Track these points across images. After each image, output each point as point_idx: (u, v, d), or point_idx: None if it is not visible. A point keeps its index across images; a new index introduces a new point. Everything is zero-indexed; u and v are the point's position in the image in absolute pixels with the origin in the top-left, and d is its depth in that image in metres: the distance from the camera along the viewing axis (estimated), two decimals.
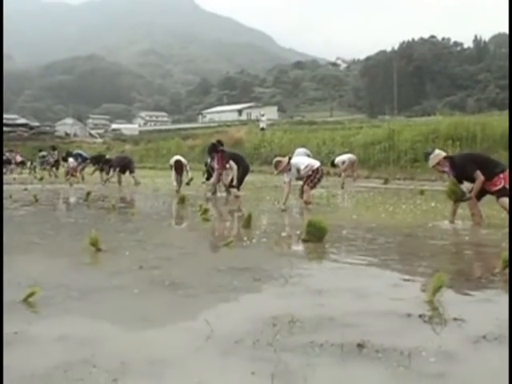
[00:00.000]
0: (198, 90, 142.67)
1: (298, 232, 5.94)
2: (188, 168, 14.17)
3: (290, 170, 9.19)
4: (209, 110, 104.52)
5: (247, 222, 6.57)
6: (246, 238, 5.68)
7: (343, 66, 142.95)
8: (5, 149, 30.33)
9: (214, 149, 12.21)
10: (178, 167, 13.82)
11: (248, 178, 12.39)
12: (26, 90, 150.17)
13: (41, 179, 19.40)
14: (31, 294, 3.26)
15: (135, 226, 7.07)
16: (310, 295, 3.40)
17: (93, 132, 74.56)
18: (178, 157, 14.56)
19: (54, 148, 25.20)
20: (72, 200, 12.23)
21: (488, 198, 6.81)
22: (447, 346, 2.44)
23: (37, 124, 70.85)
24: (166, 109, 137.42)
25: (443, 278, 3.18)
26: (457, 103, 75.56)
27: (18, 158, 30.64)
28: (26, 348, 2.53)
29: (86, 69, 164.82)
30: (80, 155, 20.01)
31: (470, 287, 3.61)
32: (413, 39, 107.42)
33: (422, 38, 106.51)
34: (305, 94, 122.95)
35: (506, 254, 3.85)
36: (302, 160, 9.86)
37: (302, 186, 9.57)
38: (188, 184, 13.85)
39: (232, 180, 11.60)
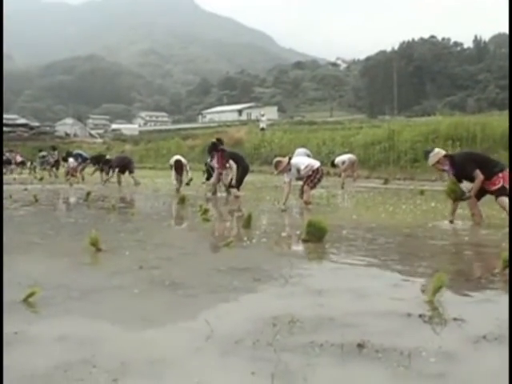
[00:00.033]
0: (198, 90, 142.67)
1: (298, 232, 5.94)
2: (188, 168, 14.18)
3: (290, 170, 9.19)
4: (209, 110, 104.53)
5: (247, 222, 6.57)
6: (246, 238, 5.68)
7: (343, 66, 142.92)
8: (5, 149, 30.34)
9: (214, 147, 12.21)
10: (178, 167, 13.82)
11: (248, 178, 12.39)
12: (26, 90, 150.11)
13: (41, 179, 19.41)
14: (31, 294, 3.26)
15: (135, 226, 7.07)
16: (310, 295, 3.40)
17: (93, 132, 74.54)
18: (177, 156, 14.56)
19: (54, 148, 25.20)
20: (72, 200, 12.23)
21: (488, 198, 6.82)
22: (447, 346, 2.44)
23: (37, 124, 70.85)
24: (166, 109, 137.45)
25: (443, 278, 3.18)
26: (457, 103, 75.54)
27: (18, 159, 30.63)
28: (26, 348, 2.53)
29: (86, 69, 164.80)
30: (80, 155, 20.02)
31: (470, 287, 3.61)
32: (413, 39, 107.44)
33: (422, 38, 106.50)
34: (305, 94, 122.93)
35: (506, 254, 3.85)
36: (302, 160, 9.86)
37: (302, 186, 9.57)
38: (188, 184, 13.85)
39: (232, 180, 11.60)
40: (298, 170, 9.27)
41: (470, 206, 6.86)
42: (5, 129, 43.43)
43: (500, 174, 6.59)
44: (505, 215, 6.55)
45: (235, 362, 2.32)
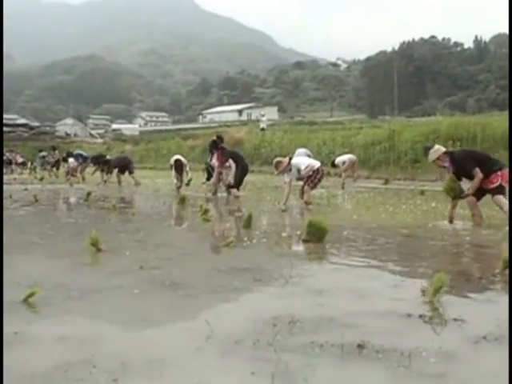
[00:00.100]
0: (199, 90, 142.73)
1: (298, 232, 5.94)
2: (188, 168, 14.18)
3: (290, 170, 9.19)
4: (209, 111, 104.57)
5: (247, 223, 6.57)
6: (246, 239, 5.67)
7: (343, 66, 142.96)
8: (5, 149, 30.34)
9: (215, 145, 12.22)
10: (178, 166, 13.83)
11: (248, 178, 12.39)
12: (26, 90, 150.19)
13: (41, 179, 19.41)
14: (31, 294, 3.26)
15: (135, 226, 7.07)
16: (311, 295, 3.40)
17: (93, 132, 74.54)
18: (177, 156, 14.57)
19: (54, 148, 25.22)
20: (72, 200, 12.23)
21: (488, 198, 6.82)
22: (447, 347, 2.44)
23: (37, 124, 70.89)
24: (166, 109, 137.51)
25: (443, 278, 3.18)
26: (457, 103, 75.50)
27: (19, 159, 30.61)
28: (26, 348, 2.53)
29: (86, 69, 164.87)
30: (81, 155, 20.03)
31: (471, 288, 3.61)
32: (413, 39, 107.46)
33: (422, 39, 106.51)
34: (305, 94, 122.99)
35: (506, 254, 3.85)
36: (303, 160, 9.86)
37: (303, 187, 9.57)
38: (188, 184, 13.85)
39: (234, 180, 11.59)
40: (299, 170, 9.26)
41: (470, 206, 6.85)
42: (5, 129, 43.44)
43: (499, 173, 6.60)
44: (503, 215, 6.56)
45: (235, 362, 2.32)
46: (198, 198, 11.28)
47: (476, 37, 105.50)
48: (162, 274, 3.99)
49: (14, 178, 20.52)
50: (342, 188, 13.72)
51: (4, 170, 25.18)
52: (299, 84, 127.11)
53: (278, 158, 9.63)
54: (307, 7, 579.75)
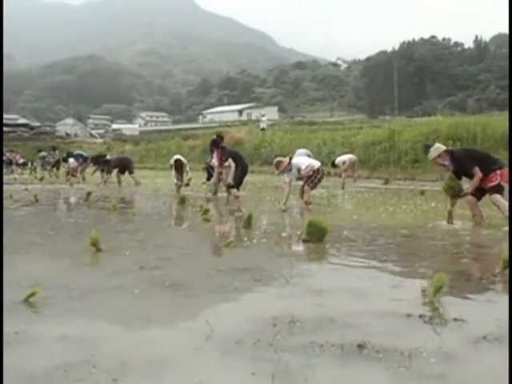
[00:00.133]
0: (199, 91, 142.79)
1: (298, 232, 5.94)
2: (188, 168, 14.17)
3: (290, 170, 9.19)
4: (209, 111, 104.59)
5: (248, 223, 6.57)
6: (246, 239, 5.67)
7: (344, 66, 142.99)
8: (5, 149, 30.35)
9: (215, 144, 12.23)
10: (178, 166, 13.82)
11: (248, 178, 12.39)
12: (27, 90, 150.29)
13: (41, 179, 19.42)
14: (32, 294, 3.26)
15: (136, 226, 7.07)
16: (311, 295, 3.40)
17: (93, 132, 74.58)
18: (177, 156, 14.57)
19: (54, 148, 25.24)
20: (72, 200, 12.23)
21: (488, 198, 6.81)
22: (448, 347, 2.44)
23: (37, 124, 70.94)
24: (166, 109, 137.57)
25: (443, 278, 3.18)
26: (457, 103, 75.53)
27: (20, 160, 30.57)
28: (26, 348, 2.53)
29: (86, 69, 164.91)
30: (81, 155, 20.04)
31: (471, 288, 3.61)
32: (413, 39, 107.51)
33: (422, 39, 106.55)
34: (305, 94, 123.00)
35: (507, 254, 3.85)
36: (303, 160, 9.85)
37: (303, 187, 9.57)
38: (187, 184, 13.85)
39: (233, 180, 11.59)
40: (299, 170, 9.26)
41: (470, 207, 6.85)
42: (5, 129, 43.49)
43: (498, 172, 6.59)
44: (501, 214, 6.56)
45: (235, 363, 2.32)
46: (198, 198, 11.28)
47: (476, 37, 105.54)
48: (162, 274, 3.99)
49: (15, 178, 20.53)
50: (342, 188, 13.72)
51: (4, 171, 25.20)
52: (299, 84, 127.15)
53: (279, 158, 9.63)
54: (307, 7, 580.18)
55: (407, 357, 2.30)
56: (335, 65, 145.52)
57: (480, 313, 3.05)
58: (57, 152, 24.57)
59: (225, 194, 11.91)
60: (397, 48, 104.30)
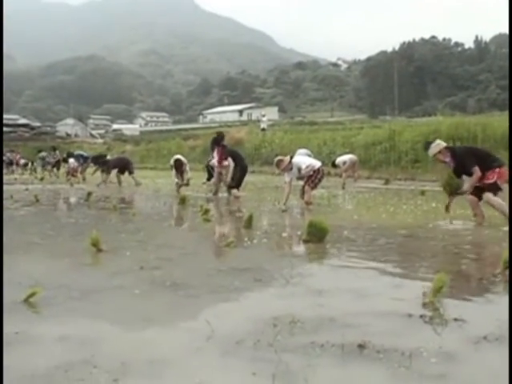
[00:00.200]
0: (199, 91, 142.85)
1: (298, 232, 5.94)
2: (188, 168, 14.16)
3: (291, 169, 9.19)
4: (210, 111, 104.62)
5: (248, 223, 6.57)
6: (246, 239, 5.67)
7: (344, 66, 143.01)
8: (6, 149, 30.36)
9: (216, 142, 12.24)
10: (178, 166, 13.82)
11: (249, 178, 12.39)
12: (27, 91, 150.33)
13: (41, 179, 19.43)
14: (32, 295, 3.26)
15: (136, 226, 7.07)
16: (311, 296, 3.40)
17: (94, 132, 74.63)
18: (177, 156, 14.56)
19: (54, 148, 25.26)
20: (73, 200, 12.23)
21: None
22: (448, 347, 2.44)
23: (38, 124, 71.04)
24: (166, 109, 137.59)
25: (444, 278, 3.18)
26: (457, 104, 75.52)
27: (21, 161, 30.56)
28: (26, 348, 2.53)
29: (86, 69, 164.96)
30: (81, 156, 20.05)
31: (471, 288, 3.61)
32: (413, 39, 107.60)
33: (422, 39, 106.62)
34: (306, 94, 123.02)
35: (507, 254, 3.84)
36: (304, 159, 9.85)
37: (303, 187, 9.57)
38: (187, 184, 13.84)
39: (232, 180, 11.59)
40: (299, 170, 9.26)
41: (471, 206, 6.84)
42: (6, 129, 43.55)
43: (496, 170, 6.58)
44: (497, 213, 6.57)
45: (236, 363, 2.32)
46: (198, 198, 11.28)
47: (476, 37, 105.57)
48: (163, 275, 3.99)
49: (15, 179, 20.55)
50: (343, 188, 13.71)
51: (5, 171, 25.23)
52: (300, 84, 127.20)
53: (279, 157, 9.63)
54: (307, 7, 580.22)
55: (408, 357, 2.30)
56: (335, 65, 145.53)
57: (480, 313, 3.05)
58: (57, 152, 24.58)
59: (225, 195, 11.91)
60: (397, 48, 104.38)
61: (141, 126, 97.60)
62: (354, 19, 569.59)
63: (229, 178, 11.51)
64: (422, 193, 11.20)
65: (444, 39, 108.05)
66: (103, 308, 3.25)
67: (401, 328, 2.74)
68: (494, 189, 6.54)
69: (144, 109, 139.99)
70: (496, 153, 7.70)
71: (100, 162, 18.28)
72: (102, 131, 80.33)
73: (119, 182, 16.22)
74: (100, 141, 55.49)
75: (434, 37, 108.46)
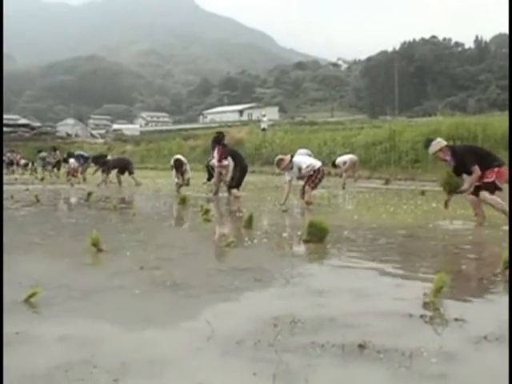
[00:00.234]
0: (199, 91, 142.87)
1: (299, 232, 5.94)
2: (188, 168, 14.16)
3: (291, 168, 9.19)
4: (210, 111, 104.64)
5: (248, 223, 6.57)
6: (247, 239, 5.67)
7: (344, 66, 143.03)
8: (6, 149, 30.36)
9: (217, 140, 12.25)
10: (178, 166, 13.82)
11: (249, 178, 12.39)
12: (27, 91, 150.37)
13: (42, 180, 19.43)
14: (32, 295, 3.26)
15: (136, 226, 7.07)
16: (311, 296, 3.39)
17: (94, 132, 74.63)
18: (177, 156, 14.56)
19: (54, 149, 25.27)
20: (73, 200, 12.23)
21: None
22: (448, 347, 2.44)
23: (38, 124, 71.09)
24: (166, 109, 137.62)
25: (444, 278, 3.18)
26: (458, 104, 75.50)
27: (21, 161, 30.59)
28: (26, 348, 2.53)
29: (87, 69, 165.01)
30: (82, 156, 20.05)
31: (471, 288, 3.61)
32: (414, 39, 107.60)
33: (423, 39, 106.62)
34: (306, 94, 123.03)
35: (507, 254, 3.84)
36: (304, 159, 9.85)
37: (303, 187, 9.57)
38: (187, 184, 13.84)
39: (232, 179, 11.59)
40: (300, 169, 9.26)
41: (472, 206, 6.84)
42: (6, 129, 43.57)
43: (496, 169, 6.57)
44: (498, 213, 6.56)
45: (236, 363, 2.32)
46: (198, 198, 11.28)
47: (477, 37, 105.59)
48: (163, 275, 3.99)
49: (16, 179, 20.55)
50: (343, 188, 13.72)
51: (5, 171, 25.23)
52: (300, 84, 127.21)
53: (280, 156, 9.63)
54: (307, 7, 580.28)
55: (408, 357, 2.29)
56: (336, 65, 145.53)
57: (481, 313, 3.05)
58: (57, 152, 24.59)
59: (225, 195, 11.91)
60: (397, 48, 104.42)
61: (141, 126, 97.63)
62: (354, 19, 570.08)
63: (228, 178, 11.51)
64: (422, 193, 11.20)
65: (444, 39, 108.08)
66: (103, 308, 3.25)
67: (401, 328, 2.74)
68: (492, 188, 6.54)
69: (144, 109, 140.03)
70: (496, 153, 7.68)
71: (100, 162, 18.28)
72: (102, 131, 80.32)
73: (119, 182, 16.23)
74: (100, 141, 55.50)
75: (434, 37, 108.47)
